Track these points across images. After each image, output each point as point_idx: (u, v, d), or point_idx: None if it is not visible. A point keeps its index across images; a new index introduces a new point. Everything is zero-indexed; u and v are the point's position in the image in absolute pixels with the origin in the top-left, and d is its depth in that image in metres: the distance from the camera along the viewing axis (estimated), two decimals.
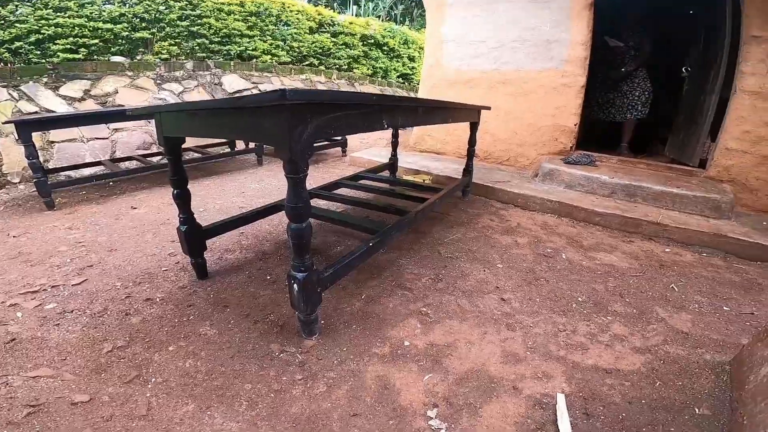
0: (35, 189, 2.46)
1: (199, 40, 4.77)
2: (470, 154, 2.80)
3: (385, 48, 7.67)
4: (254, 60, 5.37)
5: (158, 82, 4.25)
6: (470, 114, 2.57)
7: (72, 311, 1.42)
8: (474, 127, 2.74)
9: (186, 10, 4.59)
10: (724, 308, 1.60)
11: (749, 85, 2.34)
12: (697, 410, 1.07)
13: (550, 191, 2.87)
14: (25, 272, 1.68)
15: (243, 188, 3.10)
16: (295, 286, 1.19)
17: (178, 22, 4.53)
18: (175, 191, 1.52)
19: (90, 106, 3.56)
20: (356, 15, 8.95)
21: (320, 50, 6.23)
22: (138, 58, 4.33)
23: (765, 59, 2.32)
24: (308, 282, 1.19)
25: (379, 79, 7.60)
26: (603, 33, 3.34)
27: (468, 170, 2.85)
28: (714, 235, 2.12)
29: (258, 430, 0.98)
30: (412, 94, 8.05)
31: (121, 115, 2.65)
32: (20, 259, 1.79)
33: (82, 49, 3.83)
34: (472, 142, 2.77)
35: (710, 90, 2.51)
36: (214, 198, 2.80)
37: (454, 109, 2.10)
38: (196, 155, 3.49)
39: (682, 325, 1.48)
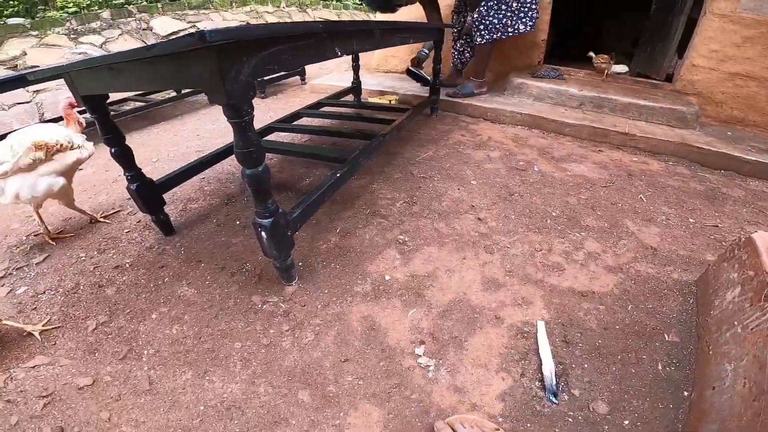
0: None
1: None
2: (436, 72, 2.74)
3: None
4: None
5: (73, 36, 3.80)
6: (432, 33, 2.46)
7: (44, 292, 1.36)
8: (438, 45, 2.64)
9: None
10: (690, 220, 1.65)
11: (719, 8, 2.40)
12: (666, 337, 1.11)
13: (520, 104, 2.89)
14: None
15: (197, 131, 2.89)
16: (263, 234, 1.14)
17: None
18: (113, 150, 1.40)
19: None
20: None
21: None
22: (39, 16, 3.84)
23: None
24: (276, 228, 1.14)
25: (334, 2, 6.78)
26: None
27: (435, 88, 2.79)
28: (679, 144, 2.21)
29: (257, 388, 1.01)
30: (371, 17, 7.30)
31: (23, 80, 2.32)
32: None
33: None
34: (437, 60, 2.69)
35: (679, 10, 2.58)
36: (167, 145, 2.61)
37: (415, 29, 1.93)
38: (139, 104, 3.13)
39: (651, 239, 1.53)
